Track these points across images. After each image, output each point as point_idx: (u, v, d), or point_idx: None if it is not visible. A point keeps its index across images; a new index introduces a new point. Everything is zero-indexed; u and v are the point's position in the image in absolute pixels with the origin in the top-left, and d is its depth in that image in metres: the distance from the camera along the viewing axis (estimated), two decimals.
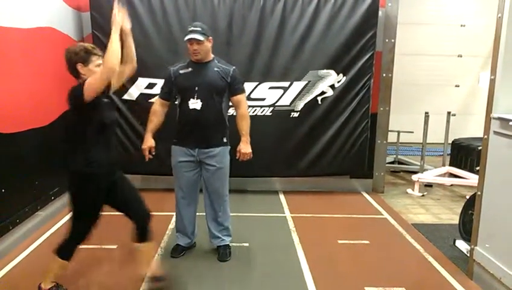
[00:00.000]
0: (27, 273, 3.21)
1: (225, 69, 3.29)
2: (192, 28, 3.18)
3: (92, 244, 3.63)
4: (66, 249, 2.71)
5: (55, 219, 4.24)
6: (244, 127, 3.32)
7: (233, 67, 3.35)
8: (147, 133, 3.39)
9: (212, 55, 3.33)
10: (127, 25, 2.68)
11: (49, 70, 4.18)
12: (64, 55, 2.57)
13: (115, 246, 3.64)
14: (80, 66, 2.53)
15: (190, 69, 3.28)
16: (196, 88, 3.21)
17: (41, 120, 4.07)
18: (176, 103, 3.41)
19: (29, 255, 3.52)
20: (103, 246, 3.63)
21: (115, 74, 2.53)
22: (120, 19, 2.55)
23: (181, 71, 3.30)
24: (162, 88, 3.46)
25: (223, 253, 3.48)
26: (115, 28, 2.50)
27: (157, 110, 3.40)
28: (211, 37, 3.25)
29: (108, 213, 4.24)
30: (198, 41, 3.16)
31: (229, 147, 3.40)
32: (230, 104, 3.41)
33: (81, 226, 2.70)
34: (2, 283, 3.06)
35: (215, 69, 3.27)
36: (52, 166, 4.30)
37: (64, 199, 4.60)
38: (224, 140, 3.36)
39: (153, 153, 3.39)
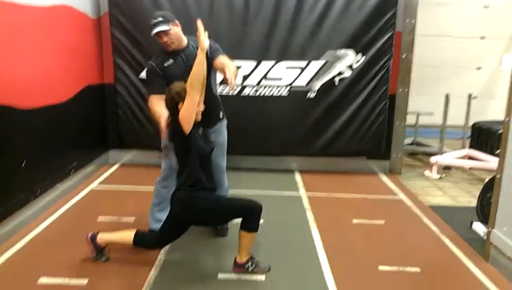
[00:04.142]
0: (47, 242, 3.30)
1: None
2: (154, 21, 3.03)
3: (110, 215, 3.75)
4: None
5: (73, 192, 4.33)
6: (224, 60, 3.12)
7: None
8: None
9: (185, 39, 3.19)
10: (206, 44, 2.67)
11: (66, 49, 4.20)
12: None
13: (132, 218, 3.71)
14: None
15: (171, 60, 3.14)
16: (186, 78, 2.96)
17: (58, 97, 4.12)
18: None
19: (49, 226, 3.61)
20: (121, 218, 3.71)
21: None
22: (207, 44, 2.66)
23: (165, 64, 3.15)
24: (152, 85, 3.22)
25: (221, 228, 3.48)
26: (201, 52, 2.62)
27: (158, 107, 3.10)
28: (176, 21, 3.10)
29: (125, 189, 4.27)
30: (166, 32, 3.04)
31: (226, 121, 3.42)
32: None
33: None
34: (23, 251, 3.15)
35: (194, 50, 3.07)
36: (70, 141, 4.39)
37: (82, 173, 4.69)
38: (221, 115, 3.39)
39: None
